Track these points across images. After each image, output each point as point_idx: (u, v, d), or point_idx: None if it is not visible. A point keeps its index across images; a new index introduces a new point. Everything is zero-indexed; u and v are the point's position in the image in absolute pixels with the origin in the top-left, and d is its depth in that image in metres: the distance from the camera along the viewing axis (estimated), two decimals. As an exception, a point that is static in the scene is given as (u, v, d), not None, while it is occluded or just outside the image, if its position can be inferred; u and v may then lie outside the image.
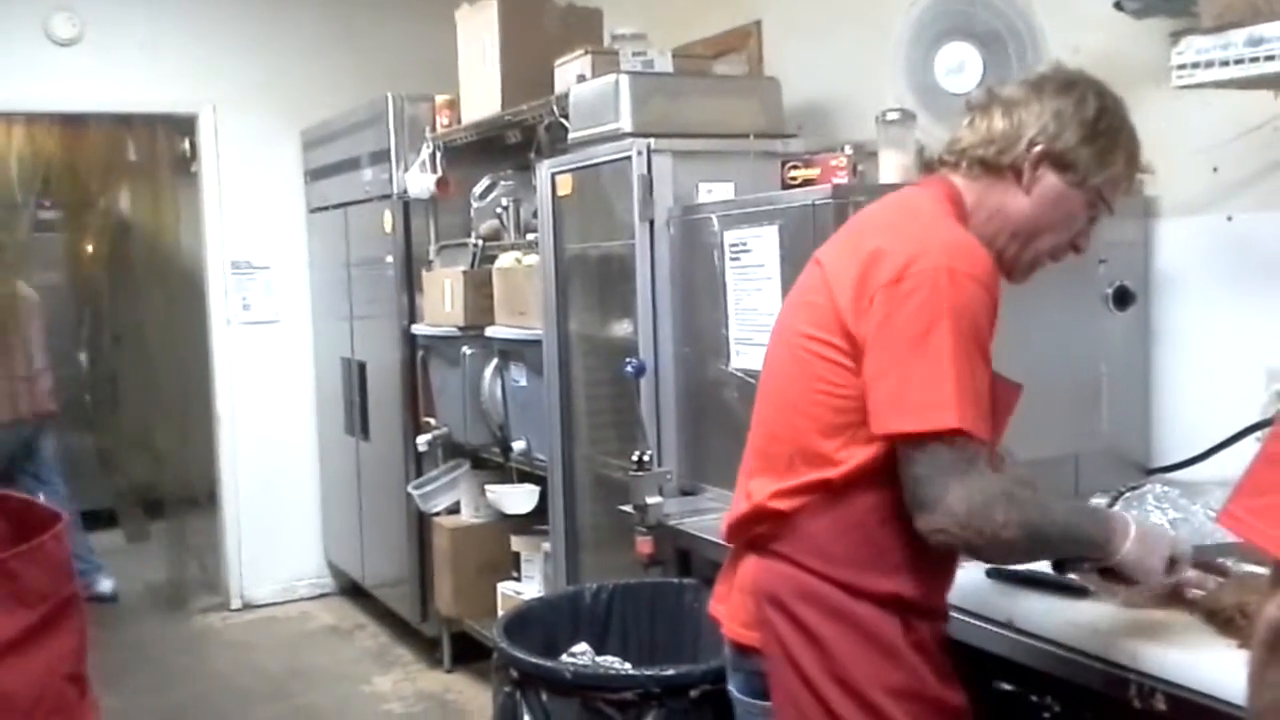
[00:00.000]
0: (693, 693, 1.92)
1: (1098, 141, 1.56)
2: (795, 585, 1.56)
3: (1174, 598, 1.66)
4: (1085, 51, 2.47)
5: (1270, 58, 1.70)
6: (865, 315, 1.47)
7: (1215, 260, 2.32)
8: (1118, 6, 2.23)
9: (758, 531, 1.61)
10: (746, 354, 2.47)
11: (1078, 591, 1.76)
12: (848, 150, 2.54)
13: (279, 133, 5.13)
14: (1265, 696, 1.09)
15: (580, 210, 3.12)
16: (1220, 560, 1.70)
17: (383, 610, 4.81)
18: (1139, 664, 1.56)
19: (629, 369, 2.63)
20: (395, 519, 4.45)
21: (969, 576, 1.76)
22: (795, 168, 2.41)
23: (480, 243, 3.98)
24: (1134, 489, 2.06)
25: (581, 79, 3.18)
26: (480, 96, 3.79)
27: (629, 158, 2.79)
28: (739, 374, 2.50)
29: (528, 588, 3.77)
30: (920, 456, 1.43)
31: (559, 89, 3.34)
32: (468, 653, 4.22)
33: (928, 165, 1.70)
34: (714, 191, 2.70)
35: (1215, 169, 2.29)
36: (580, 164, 3.05)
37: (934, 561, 1.57)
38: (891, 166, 2.39)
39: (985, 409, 1.46)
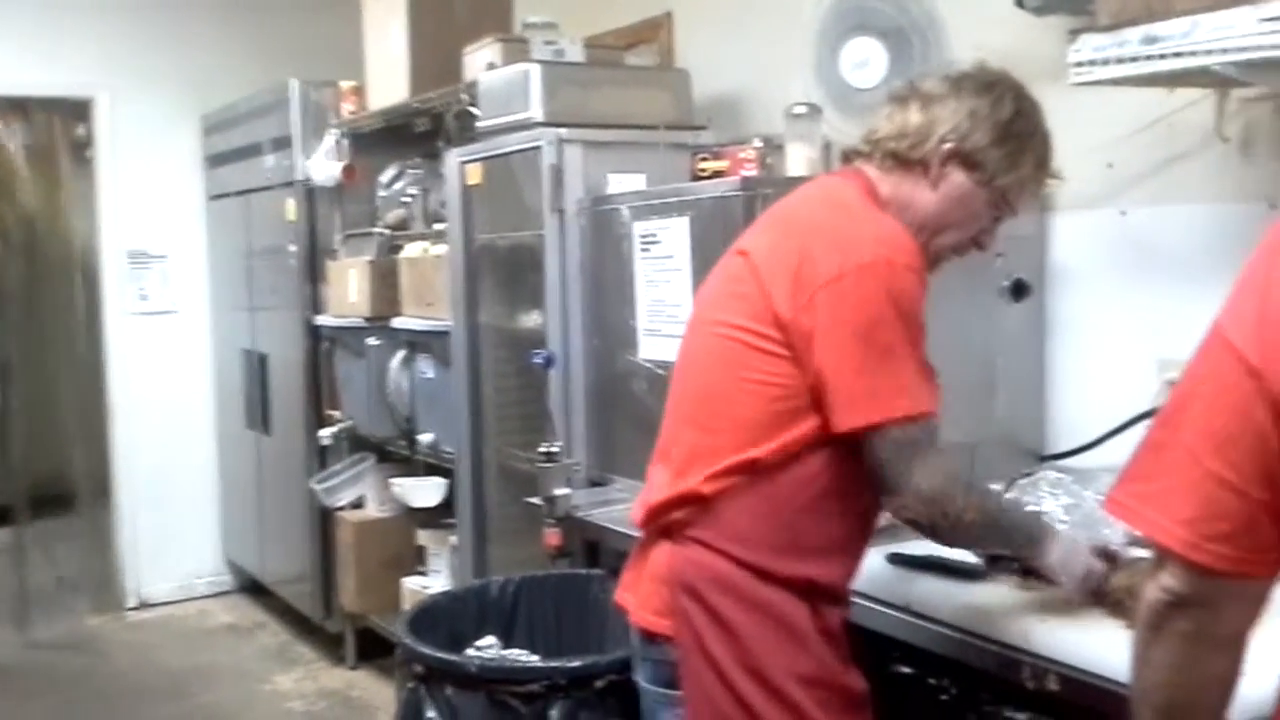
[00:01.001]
0: (598, 683, 1.92)
1: (1008, 144, 1.60)
2: (711, 573, 1.56)
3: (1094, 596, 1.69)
4: (987, 48, 2.49)
5: (1164, 56, 1.75)
6: (805, 311, 1.49)
7: (1109, 254, 2.39)
8: (1019, 4, 2.28)
9: (675, 518, 1.61)
10: (656, 345, 2.47)
11: (972, 574, 1.80)
12: (757, 143, 2.56)
13: (178, 118, 4.99)
14: (1147, 675, 1.13)
15: (490, 200, 3.09)
16: (1116, 549, 1.75)
17: (284, 608, 4.71)
18: (1032, 645, 1.60)
19: (538, 360, 2.61)
20: (297, 514, 4.36)
21: (869, 562, 1.78)
22: (705, 160, 2.42)
23: (387, 232, 3.92)
24: (1028, 475, 2.10)
25: (491, 67, 3.15)
26: (387, 83, 3.73)
27: (539, 147, 2.77)
28: (648, 365, 2.50)
29: (434, 582, 3.73)
30: (883, 444, 1.48)
31: (468, 77, 3.30)
32: (372, 649, 4.16)
33: (845, 156, 1.73)
34: (624, 182, 2.70)
35: (1110, 165, 2.35)
36: (490, 153, 3.02)
37: (846, 547, 1.60)
38: (799, 159, 2.41)
39: (935, 387, 1.51)
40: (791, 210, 1.66)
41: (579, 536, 2.48)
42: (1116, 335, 2.37)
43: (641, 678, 1.69)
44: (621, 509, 2.42)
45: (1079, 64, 1.90)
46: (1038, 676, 1.58)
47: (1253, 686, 1.12)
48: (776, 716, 1.52)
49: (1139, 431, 2.25)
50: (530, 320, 2.97)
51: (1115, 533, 1.93)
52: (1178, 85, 2.02)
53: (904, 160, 1.61)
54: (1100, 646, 1.54)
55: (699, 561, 1.57)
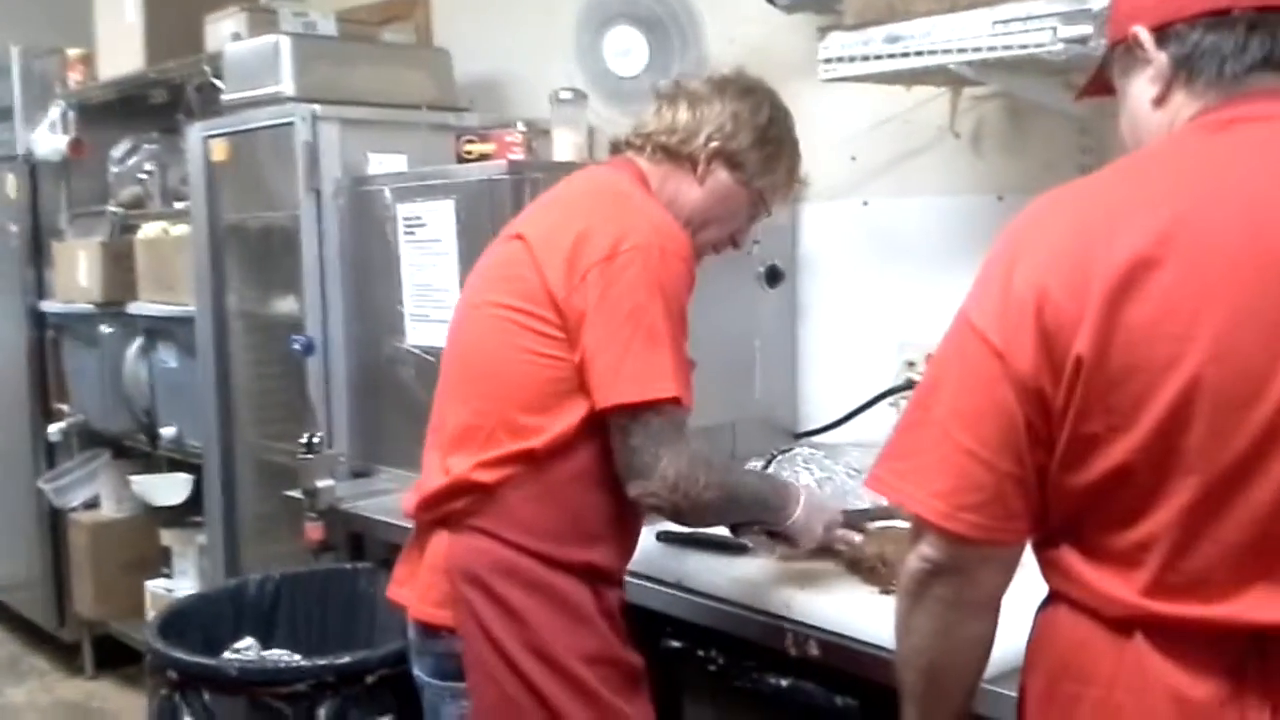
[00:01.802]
0: (369, 679, 1.87)
1: (766, 148, 1.68)
2: (493, 560, 1.55)
3: (824, 551, 1.79)
4: (740, 42, 2.61)
5: (906, 55, 1.87)
6: (577, 291, 1.50)
7: (853, 242, 2.53)
8: (770, 1, 2.37)
9: (453, 507, 1.58)
10: (423, 330, 2.42)
11: (738, 549, 1.87)
12: (521, 127, 2.55)
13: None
14: (909, 640, 1.19)
15: (238, 178, 2.93)
16: (862, 518, 1.86)
17: (11, 616, 4.35)
18: (793, 614, 1.68)
19: (297, 346, 2.50)
20: (24, 517, 4.04)
21: (641, 542, 1.82)
22: (471, 142, 2.39)
23: (120, 211, 3.66)
24: (785, 452, 2.21)
25: (237, 38, 2.98)
26: (120, 52, 3.47)
27: (292, 124, 2.65)
28: (415, 351, 2.45)
29: (180, 584, 3.53)
30: (635, 426, 1.49)
31: (211, 47, 3.12)
32: (113, 657, 3.91)
33: (615, 147, 1.77)
34: (385, 163, 2.62)
35: (853, 157, 2.49)
36: (238, 128, 2.86)
37: (625, 530, 1.63)
38: (565, 145, 2.42)
39: (690, 379, 1.54)
40: (567, 195, 1.68)
41: (343, 529, 2.40)
42: (861, 318, 2.52)
43: (421, 672, 1.66)
44: (388, 500, 2.36)
45: (827, 61, 2.00)
46: (799, 643, 1.65)
47: (1004, 644, 1.21)
48: (563, 696, 1.53)
49: (883, 408, 2.42)
50: (285, 305, 2.84)
51: (863, 504, 2.06)
52: (915, 83, 2.16)
53: (673, 154, 1.67)
54: (856, 612, 1.63)
55: (482, 549, 1.56)
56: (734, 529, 1.79)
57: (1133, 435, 1.01)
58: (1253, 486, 0.98)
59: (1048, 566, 1.13)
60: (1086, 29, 1.65)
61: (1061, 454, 1.05)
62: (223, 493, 3.06)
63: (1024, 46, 1.74)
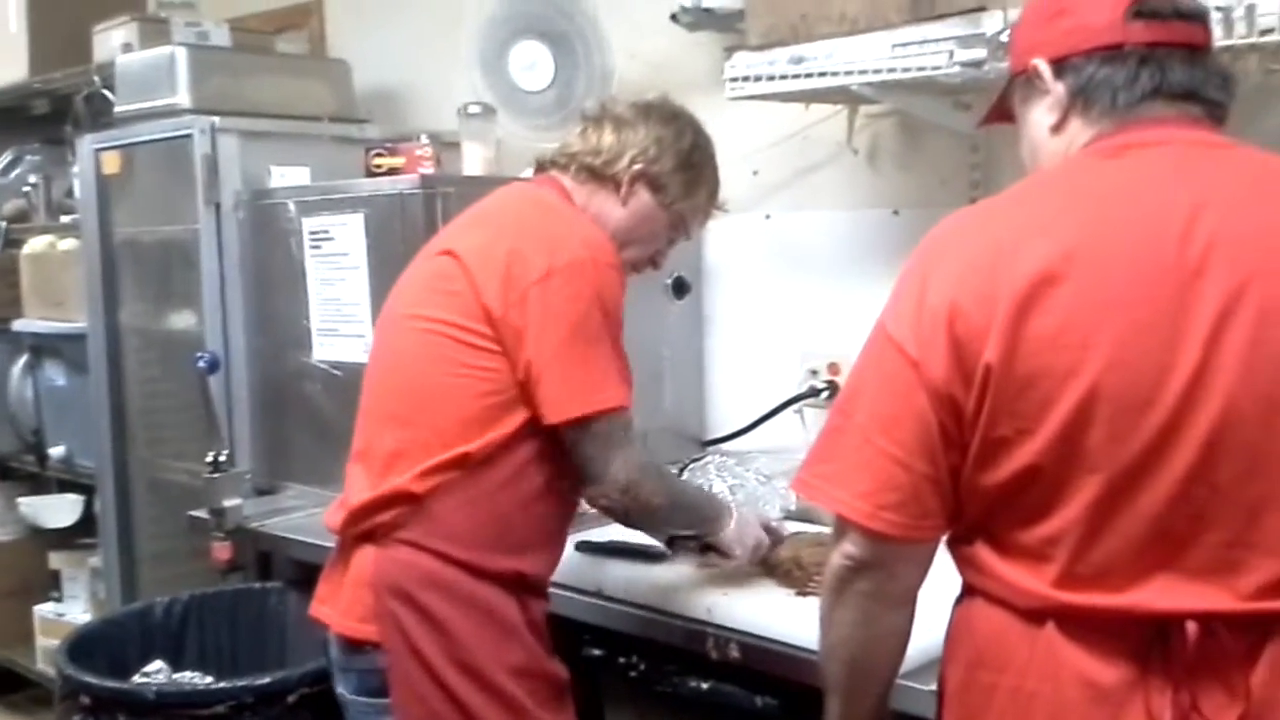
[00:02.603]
0: (290, 698, 1.85)
1: (688, 172, 1.74)
2: (420, 572, 1.56)
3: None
4: (643, 58, 2.66)
5: (810, 75, 1.94)
6: (515, 308, 1.54)
7: (757, 254, 2.59)
8: (673, 19, 2.43)
9: (381, 520, 1.59)
10: (332, 345, 2.40)
11: (657, 556, 1.91)
12: (424, 139, 2.54)
13: None
14: (833, 634, 1.26)
15: (132, 191, 2.86)
16: (775, 524, 1.93)
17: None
18: (714, 618, 1.72)
19: (201, 363, 2.45)
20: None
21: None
22: (380, 155, 2.38)
23: (3, 225, 3.53)
24: (697, 460, 2.27)
25: (128, 48, 2.92)
26: (2, 62, 3.35)
27: (190, 136, 2.60)
28: (323, 366, 2.43)
29: (71, 608, 3.43)
30: (585, 437, 1.55)
31: (99, 57, 3.05)
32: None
33: (539, 166, 1.80)
34: (287, 176, 2.59)
35: (756, 172, 2.56)
36: (131, 140, 2.80)
37: (552, 539, 1.66)
38: (475, 159, 2.43)
39: (631, 382, 1.60)
40: (495, 211, 1.71)
41: (252, 549, 2.37)
42: (765, 328, 2.58)
43: (345, 690, 1.65)
44: (298, 517, 2.34)
45: (734, 79, 2.06)
46: (720, 647, 1.69)
47: (920, 641, 1.28)
48: (489, 710, 1.54)
49: (788, 416, 2.49)
50: (182, 320, 2.78)
51: (774, 509, 2.13)
52: (815, 101, 2.23)
53: (598, 175, 1.71)
54: (774, 614, 1.68)
55: (408, 562, 1.57)
56: (670, 541, 1.85)
57: (1038, 438, 1.07)
58: (1152, 483, 1.05)
59: (962, 562, 1.19)
60: (981, 53, 1.74)
61: (974, 456, 1.11)
62: (118, 513, 2.97)
63: (921, 69, 1.82)
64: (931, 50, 1.81)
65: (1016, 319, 1.06)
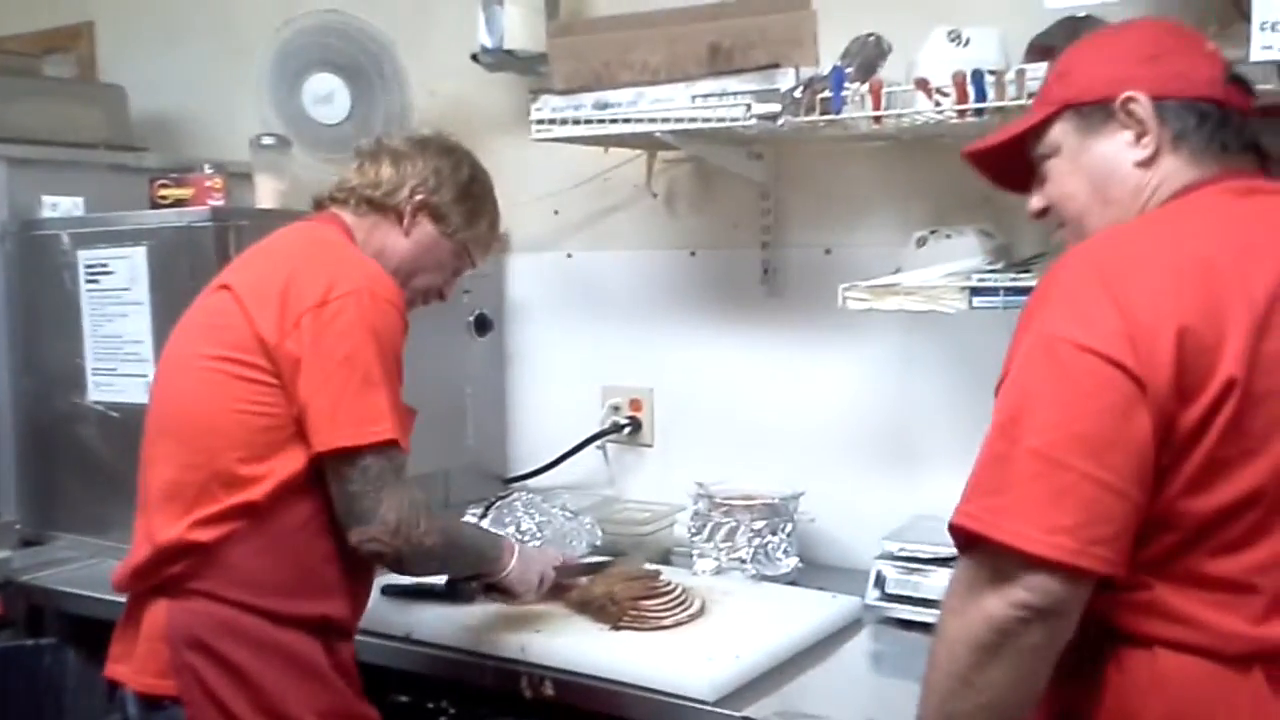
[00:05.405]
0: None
1: (468, 202, 1.76)
2: (217, 622, 1.49)
3: (554, 593, 1.86)
4: (442, 95, 2.66)
5: (615, 120, 1.99)
6: (290, 336, 1.49)
7: (558, 292, 2.63)
8: (474, 58, 2.44)
9: (170, 572, 1.51)
10: (110, 385, 2.26)
11: (466, 597, 1.89)
12: (208, 170, 2.44)
13: None
14: (975, 700, 1.08)
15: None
16: (567, 558, 1.95)
17: None
18: (528, 656, 1.73)
19: (-38, 405, 2.26)
20: None
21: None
22: (165, 186, 2.27)
23: None
24: (503, 498, 2.26)
25: None
26: None
27: (-52, 162, 2.41)
28: (99, 407, 2.28)
29: None
30: (353, 472, 1.49)
31: None
32: None
33: (318, 203, 1.77)
34: (61, 205, 2.43)
35: (556, 212, 2.59)
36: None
37: (356, 581, 1.61)
38: (267, 191, 2.35)
39: (407, 423, 1.56)
40: (274, 247, 1.67)
41: (22, 603, 2.19)
42: (567, 365, 2.61)
43: (146, 748, 1.56)
44: (73, 569, 2.21)
45: (540, 122, 2.09)
46: (534, 685, 1.71)
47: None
48: (297, 757, 1.49)
49: (590, 452, 2.52)
50: (-66, 359, 2.55)
51: (582, 545, 2.15)
52: (616, 145, 2.29)
53: (379, 207, 1.71)
54: (588, 649, 1.71)
55: (204, 613, 1.50)
56: (452, 584, 1.83)
57: (1264, 458, 1.05)
58: None
59: (1127, 608, 1.09)
60: (775, 107, 1.84)
61: (1187, 479, 1.05)
62: None
63: (721, 120, 1.91)
64: (729, 103, 1.89)
65: (1257, 336, 1.05)
